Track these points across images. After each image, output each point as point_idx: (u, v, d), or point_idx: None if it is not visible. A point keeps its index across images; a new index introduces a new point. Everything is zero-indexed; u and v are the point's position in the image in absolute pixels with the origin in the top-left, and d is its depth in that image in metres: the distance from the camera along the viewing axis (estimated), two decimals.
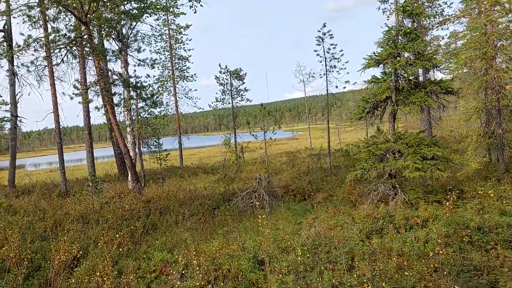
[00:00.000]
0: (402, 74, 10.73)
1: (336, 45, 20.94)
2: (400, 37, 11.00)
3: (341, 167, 23.42)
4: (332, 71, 21.50)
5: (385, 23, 34.76)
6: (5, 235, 11.53)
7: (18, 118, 26.41)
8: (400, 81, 10.82)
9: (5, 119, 25.95)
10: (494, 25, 12.94)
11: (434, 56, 10.53)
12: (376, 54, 11.08)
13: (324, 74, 21.70)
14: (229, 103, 32.17)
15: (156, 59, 25.49)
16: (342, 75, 31.81)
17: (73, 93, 15.85)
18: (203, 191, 18.33)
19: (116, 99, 17.94)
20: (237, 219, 13.15)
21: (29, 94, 25.66)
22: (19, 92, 25.54)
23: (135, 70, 23.41)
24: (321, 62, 21.57)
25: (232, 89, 32.28)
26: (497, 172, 13.96)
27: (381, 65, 11.10)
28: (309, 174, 22.50)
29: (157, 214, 14.57)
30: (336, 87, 21.68)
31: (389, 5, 23.85)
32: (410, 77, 10.62)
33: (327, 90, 21.68)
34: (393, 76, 10.60)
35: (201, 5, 11.52)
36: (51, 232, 12.63)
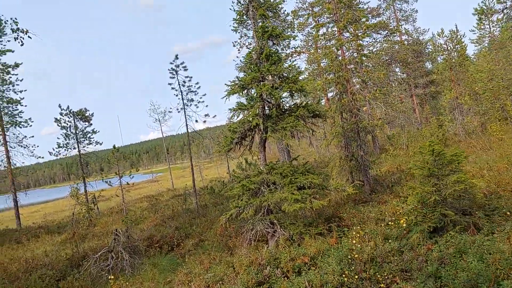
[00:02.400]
0: (268, 99, 9.86)
1: (191, 77, 19.82)
2: (261, 61, 10.21)
3: (208, 206, 21.91)
4: (190, 105, 20.20)
5: (237, 57, 35.40)
6: None
7: None
8: (267, 107, 9.91)
9: None
10: (345, 50, 13.37)
11: (299, 78, 9.94)
12: (239, 79, 10.05)
13: (181, 108, 20.25)
14: (74, 148, 28.25)
15: None
16: (201, 109, 30.78)
17: None
18: (44, 257, 14.74)
19: None
20: None
21: None
22: None
23: None
24: (177, 95, 20.14)
25: (77, 132, 28.50)
26: (363, 194, 14.11)
27: (245, 90, 10.10)
28: (175, 218, 20.41)
29: None
30: (196, 121, 20.51)
31: (240, 39, 24.00)
32: (278, 102, 9.81)
33: (186, 125, 20.21)
34: (259, 102, 9.63)
35: (29, 37, 9.07)
36: None
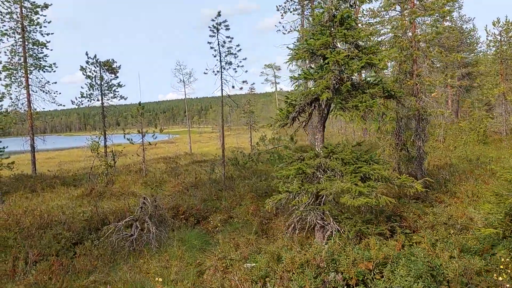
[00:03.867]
0: (341, 71, 8.31)
1: (232, 38, 18.15)
2: (334, 24, 8.61)
3: (235, 178, 20.69)
4: (228, 68, 18.64)
5: (279, 22, 33.33)
6: None
7: None
8: (335, 80, 8.38)
9: None
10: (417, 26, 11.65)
11: (378, 49, 8.36)
12: (307, 42, 8.49)
13: (218, 71, 18.71)
14: (98, 100, 27.05)
15: None
16: (240, 74, 29.15)
17: None
18: (60, 214, 13.74)
19: None
20: (109, 263, 9.31)
21: None
22: None
23: None
24: (215, 56, 18.55)
25: (102, 83, 27.24)
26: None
27: (313, 57, 8.58)
28: (199, 187, 19.27)
29: None
30: (233, 87, 18.90)
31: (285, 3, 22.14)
32: (353, 75, 8.28)
33: (221, 89, 18.75)
34: (330, 73, 8.09)
35: None
36: None
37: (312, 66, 8.78)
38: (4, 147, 19.73)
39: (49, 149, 63.60)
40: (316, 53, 8.46)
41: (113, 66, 27.06)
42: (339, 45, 8.74)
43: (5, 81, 28.33)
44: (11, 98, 28.24)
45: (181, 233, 11.43)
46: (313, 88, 8.21)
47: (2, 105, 26.45)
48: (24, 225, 12.45)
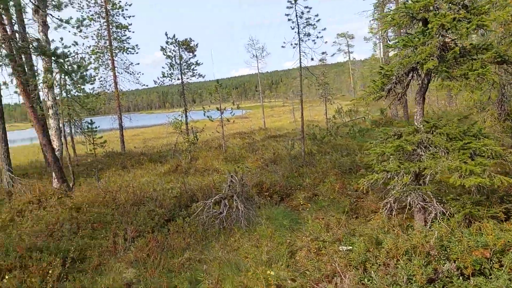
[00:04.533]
0: (448, 35, 7.39)
1: (311, 8, 17.36)
2: None
3: (314, 153, 20.21)
4: (307, 40, 17.94)
5: None
6: None
7: None
8: (442, 46, 7.47)
9: None
10: None
11: (489, 9, 7.27)
12: (406, 5, 7.64)
13: (296, 44, 18.09)
14: (178, 79, 27.80)
15: (85, 19, 20.49)
16: (319, 45, 28.09)
17: None
18: (151, 190, 14.33)
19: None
20: (201, 240, 9.46)
21: None
22: None
23: (62, 39, 18.72)
24: (293, 28, 17.91)
25: (181, 62, 27.89)
26: None
27: (413, 22, 7.73)
28: (277, 163, 19.12)
29: (88, 230, 10.52)
30: (312, 59, 18.20)
31: None
32: (461, 40, 7.32)
33: (300, 62, 18.14)
34: (436, 38, 7.21)
35: None
36: None
37: (409, 32, 7.92)
38: (97, 127, 21.07)
39: (134, 126, 67.37)
40: (416, 17, 7.58)
41: (191, 45, 27.53)
42: (442, 7, 7.77)
43: (94, 64, 30.13)
44: (99, 80, 30.07)
45: (267, 210, 11.33)
46: (413, 56, 7.39)
47: (94, 87, 28.26)
48: (119, 201, 13.16)
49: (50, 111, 15.72)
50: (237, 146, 28.75)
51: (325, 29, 18.49)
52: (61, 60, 11.85)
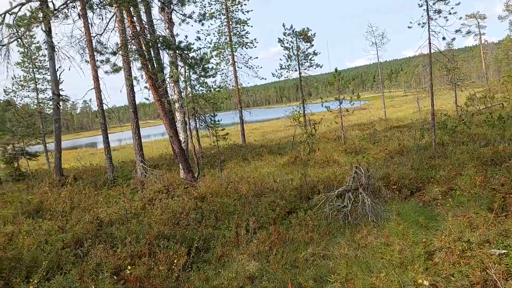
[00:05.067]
0: None
1: None
2: None
3: (446, 144, 18.06)
4: (437, 18, 15.93)
5: None
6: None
7: (61, 97, 23.78)
8: None
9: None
10: None
11: None
12: None
13: (425, 23, 16.19)
14: (295, 70, 27.43)
15: (206, 13, 21.20)
16: (453, 22, 25.21)
17: (96, 60, 12.21)
18: (272, 182, 14.11)
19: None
20: (325, 235, 8.79)
21: (69, 69, 22.89)
22: (59, 67, 22.71)
23: (186, 36, 19.93)
24: (420, 6, 16.08)
25: (298, 53, 27.45)
26: None
27: None
28: (404, 154, 17.50)
29: (212, 219, 10.62)
30: (444, 38, 16.10)
31: None
32: None
33: (429, 43, 16.21)
34: None
35: None
36: (70, 250, 9.08)
37: None
38: (219, 120, 21.75)
39: (253, 121, 69.54)
40: None
41: (308, 35, 26.93)
42: None
43: (216, 59, 31.41)
44: (220, 75, 31.29)
45: (396, 205, 10.19)
46: None
47: (215, 80, 29.45)
48: (241, 192, 13.18)
49: (176, 105, 16.58)
50: (357, 137, 27.41)
51: (459, 3, 16.19)
52: (185, 53, 12.22)
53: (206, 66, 13.08)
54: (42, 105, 35.52)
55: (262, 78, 32.94)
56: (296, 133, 26.58)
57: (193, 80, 16.29)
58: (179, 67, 14.53)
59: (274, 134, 47.02)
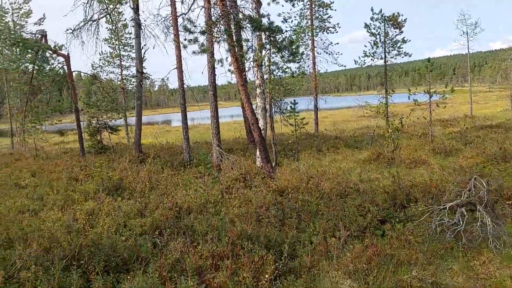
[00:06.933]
0: None
1: None
2: None
3: None
4: None
5: None
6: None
7: (144, 75, 24.05)
8: None
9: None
10: None
11: None
12: None
13: None
14: (381, 58, 25.51)
15: None
16: None
17: (185, 39, 11.68)
18: (357, 181, 12.92)
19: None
20: (431, 256, 7.53)
21: (153, 47, 23.05)
22: (144, 45, 22.88)
23: (269, 18, 18.98)
24: None
25: (386, 40, 25.45)
26: None
27: None
28: (508, 160, 15.43)
29: (294, 219, 9.73)
30: None
31: None
32: None
33: None
34: None
35: None
36: (149, 237, 8.69)
37: None
38: (296, 107, 20.74)
39: (322, 108, 67.47)
40: None
41: (399, 20, 24.79)
42: None
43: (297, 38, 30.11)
44: (301, 57, 29.94)
45: None
46: None
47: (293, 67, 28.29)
48: (323, 188, 12.17)
49: (258, 90, 15.83)
50: (444, 136, 25.13)
51: None
52: (274, 35, 11.30)
53: (295, 50, 12.06)
54: (125, 81, 36.64)
55: (342, 65, 31.12)
56: (375, 126, 24.86)
57: (280, 64, 15.35)
58: (265, 51, 13.65)
59: (345, 124, 45.10)
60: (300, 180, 12.91)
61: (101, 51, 43.18)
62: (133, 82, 36.92)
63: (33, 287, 6.10)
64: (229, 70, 13.53)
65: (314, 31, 29.61)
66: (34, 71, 23.28)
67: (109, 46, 36.60)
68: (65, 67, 22.89)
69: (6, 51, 35.58)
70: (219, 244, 7.65)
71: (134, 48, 24.13)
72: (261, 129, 15.02)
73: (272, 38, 11.60)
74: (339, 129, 36.08)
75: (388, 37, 25.00)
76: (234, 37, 12.13)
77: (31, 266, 6.42)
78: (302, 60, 30.48)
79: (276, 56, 14.77)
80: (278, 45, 11.75)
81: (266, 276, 6.58)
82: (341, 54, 30.58)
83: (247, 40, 12.82)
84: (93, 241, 8.02)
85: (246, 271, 6.73)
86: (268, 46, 12.91)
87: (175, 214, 10.31)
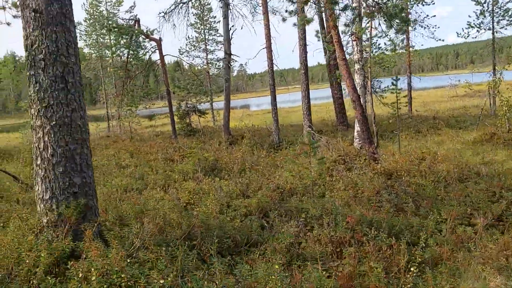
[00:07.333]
0: None
1: None
2: None
3: None
4: None
5: None
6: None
7: (232, 56, 23.94)
8: None
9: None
10: None
11: None
12: None
13: None
14: (489, 29, 22.80)
15: None
16: None
17: (286, 10, 10.97)
18: (479, 164, 11.49)
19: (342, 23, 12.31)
20: None
21: (241, 28, 22.76)
22: (232, 26, 22.68)
23: None
24: None
25: (493, 8, 22.68)
26: None
27: None
28: None
29: (410, 204, 8.75)
30: None
31: None
32: None
33: None
34: None
35: None
36: (255, 218, 8.32)
37: None
38: (389, 85, 19.31)
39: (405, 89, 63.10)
40: None
41: None
42: None
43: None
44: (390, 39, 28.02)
45: None
46: None
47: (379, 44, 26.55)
48: (435, 172, 10.99)
49: (356, 66, 14.75)
50: None
51: None
52: (383, 2, 10.18)
53: (406, 17, 10.78)
54: (210, 65, 37.19)
55: (439, 40, 28.47)
56: (483, 104, 22.43)
57: (387, 35, 14.03)
58: (369, 21, 12.52)
59: (437, 104, 41.80)
60: (411, 162, 11.78)
61: (187, 36, 44.18)
62: (218, 66, 37.24)
63: (152, 267, 5.91)
64: (326, 42, 12.57)
65: (409, 2, 27.34)
66: (129, 56, 24.20)
67: (195, 31, 37.27)
68: (157, 51, 23.47)
69: (101, 40, 37.91)
70: (337, 230, 7.00)
71: (218, 31, 24.04)
72: (363, 107, 13.99)
73: (381, 5, 10.47)
74: (430, 109, 33.47)
75: (497, 5, 22.23)
76: (340, 6, 11.21)
77: (150, 246, 6.26)
78: (394, 36, 28.48)
79: (379, 26, 13.51)
80: (387, 12, 10.59)
81: (399, 267, 5.80)
82: (438, 27, 27.89)
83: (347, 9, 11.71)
84: (202, 221, 7.79)
85: (372, 261, 6.02)
86: (376, 14, 11.70)
87: (279, 195, 9.86)
